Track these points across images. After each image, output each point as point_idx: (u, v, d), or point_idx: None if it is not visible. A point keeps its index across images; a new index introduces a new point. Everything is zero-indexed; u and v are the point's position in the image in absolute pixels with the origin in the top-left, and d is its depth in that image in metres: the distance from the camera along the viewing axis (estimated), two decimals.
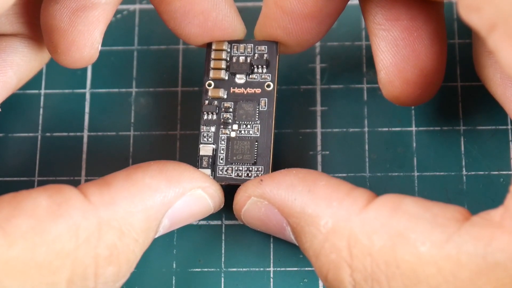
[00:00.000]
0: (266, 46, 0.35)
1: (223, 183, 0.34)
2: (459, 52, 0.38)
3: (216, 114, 0.34)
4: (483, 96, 0.37)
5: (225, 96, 0.35)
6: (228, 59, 0.35)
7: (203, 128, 0.34)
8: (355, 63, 0.38)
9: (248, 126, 0.34)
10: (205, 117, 0.34)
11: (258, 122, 0.34)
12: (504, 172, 0.36)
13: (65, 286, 0.29)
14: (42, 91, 0.39)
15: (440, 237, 0.28)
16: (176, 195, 0.31)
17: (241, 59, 0.35)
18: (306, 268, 0.35)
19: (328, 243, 0.29)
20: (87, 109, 0.38)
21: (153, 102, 0.38)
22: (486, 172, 0.36)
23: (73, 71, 0.39)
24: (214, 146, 0.34)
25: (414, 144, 0.37)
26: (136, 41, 0.39)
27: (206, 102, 0.34)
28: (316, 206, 0.30)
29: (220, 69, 0.35)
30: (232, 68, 0.35)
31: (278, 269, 0.35)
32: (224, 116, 0.34)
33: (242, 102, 0.34)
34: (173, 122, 0.38)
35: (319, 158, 0.37)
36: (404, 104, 0.34)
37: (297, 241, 0.31)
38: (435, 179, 0.36)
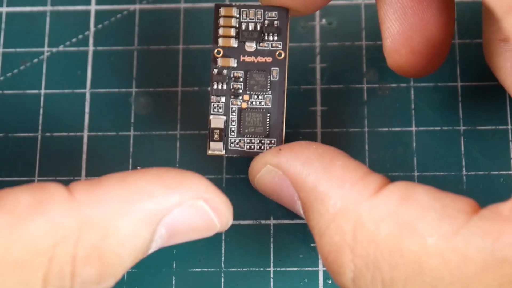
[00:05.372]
0: (276, 12, 0.33)
1: (235, 156, 0.33)
2: (459, 52, 0.38)
3: (226, 84, 0.33)
4: (483, 96, 0.37)
5: (235, 65, 0.33)
6: (237, 25, 0.34)
7: (213, 99, 0.33)
8: (355, 63, 0.38)
9: (260, 97, 0.33)
10: (215, 86, 0.33)
11: (270, 92, 0.33)
12: (504, 172, 0.36)
13: (40, 285, 0.28)
14: (42, 91, 0.39)
15: (448, 230, 0.27)
16: (172, 203, 0.29)
17: (251, 26, 0.33)
18: (306, 268, 0.35)
19: (334, 224, 0.29)
20: (87, 109, 0.38)
21: (153, 102, 0.38)
22: (486, 172, 0.36)
23: (73, 71, 0.39)
24: (225, 118, 0.33)
25: (414, 144, 0.37)
26: (136, 41, 0.39)
27: (216, 71, 0.33)
28: (328, 185, 0.30)
29: (230, 36, 0.33)
30: (242, 36, 0.33)
31: (278, 269, 0.35)
32: (235, 86, 0.33)
33: (253, 72, 0.33)
34: (173, 122, 0.38)
35: None
36: (408, 74, 0.34)
37: (305, 217, 0.31)
38: (435, 179, 0.36)
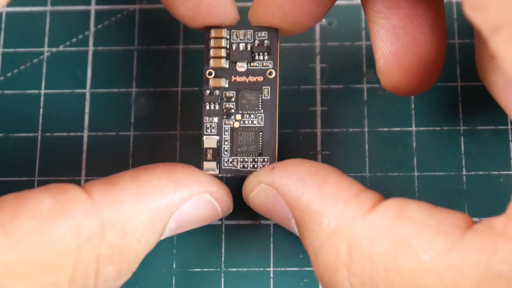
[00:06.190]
0: (266, 32, 0.34)
1: (228, 175, 0.34)
2: (459, 52, 0.38)
3: (219, 104, 0.34)
4: (483, 96, 0.37)
5: (227, 85, 0.34)
6: (228, 46, 0.34)
7: (206, 119, 0.34)
8: (355, 63, 0.38)
9: (252, 116, 0.34)
10: (207, 107, 0.34)
11: (262, 111, 0.33)
12: (504, 172, 0.36)
13: (67, 285, 0.29)
14: (42, 91, 0.39)
15: (443, 246, 0.27)
16: (182, 199, 0.31)
17: (241, 46, 0.34)
18: (306, 268, 0.35)
19: (328, 243, 0.29)
20: (87, 109, 0.38)
21: (153, 102, 0.38)
22: (486, 172, 0.36)
23: (73, 71, 0.39)
24: (218, 138, 0.34)
25: (414, 144, 0.37)
26: (136, 41, 0.39)
27: (208, 92, 0.34)
28: (322, 203, 0.30)
29: (220, 57, 0.34)
30: (232, 56, 0.34)
31: (278, 269, 0.35)
32: (227, 106, 0.34)
33: (244, 91, 0.34)
34: (173, 122, 0.38)
35: (319, 158, 0.37)
36: (402, 93, 0.34)
37: (300, 236, 0.31)
38: (435, 179, 0.36)
